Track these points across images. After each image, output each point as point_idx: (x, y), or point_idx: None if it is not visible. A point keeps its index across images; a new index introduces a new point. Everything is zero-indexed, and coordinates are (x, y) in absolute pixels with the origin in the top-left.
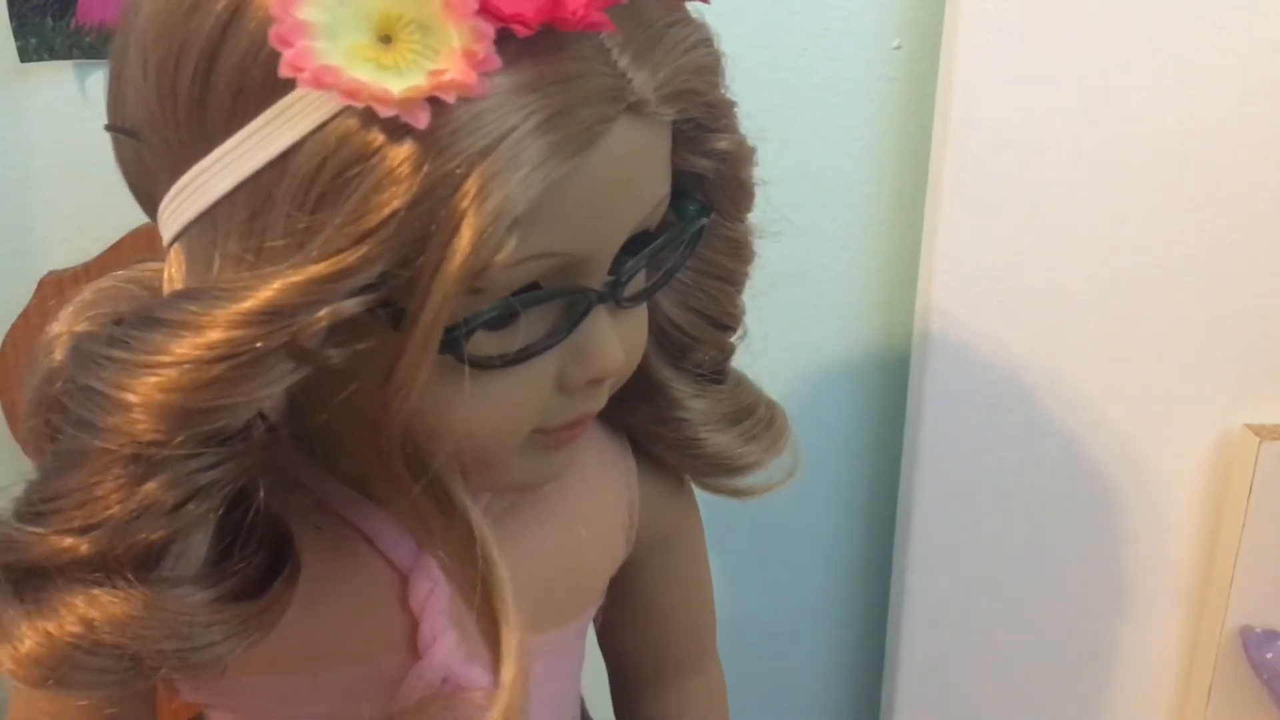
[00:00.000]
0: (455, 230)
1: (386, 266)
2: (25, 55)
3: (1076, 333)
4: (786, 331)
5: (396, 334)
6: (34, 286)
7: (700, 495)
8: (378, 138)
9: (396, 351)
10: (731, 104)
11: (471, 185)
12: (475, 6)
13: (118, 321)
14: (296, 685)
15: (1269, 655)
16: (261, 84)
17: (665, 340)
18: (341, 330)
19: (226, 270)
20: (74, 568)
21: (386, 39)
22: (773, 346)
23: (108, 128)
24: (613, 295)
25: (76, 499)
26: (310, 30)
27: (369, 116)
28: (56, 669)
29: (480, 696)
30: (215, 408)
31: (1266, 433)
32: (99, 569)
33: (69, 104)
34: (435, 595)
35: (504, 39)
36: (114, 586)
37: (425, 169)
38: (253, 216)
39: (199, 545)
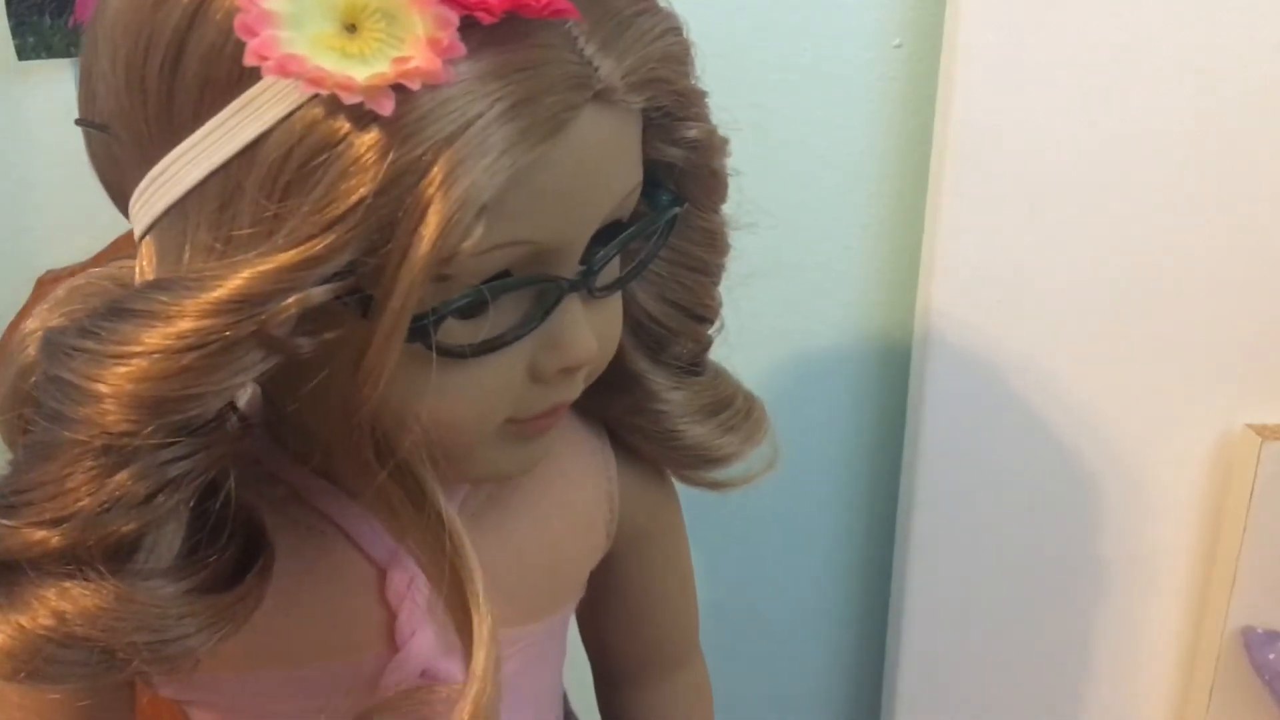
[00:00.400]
0: (422, 217)
1: (354, 254)
2: (23, 54)
3: (1077, 333)
4: (786, 331)
5: (365, 322)
6: (32, 285)
7: (698, 496)
8: (344, 126)
9: (365, 339)
10: (702, 93)
11: (438, 172)
12: None
13: (90, 315)
14: (274, 680)
15: (1271, 656)
16: (228, 75)
17: (642, 333)
18: (310, 319)
19: (196, 260)
20: (46, 560)
21: (351, 28)
22: (772, 345)
23: (78, 122)
24: (584, 284)
25: (48, 491)
26: (275, 19)
27: (335, 105)
28: (29, 662)
29: (457, 690)
30: (186, 397)
31: (1268, 433)
32: (71, 561)
33: (67, 102)
34: (413, 589)
35: (468, 26)
36: (86, 579)
37: (391, 156)
38: (222, 206)
39: (171, 538)
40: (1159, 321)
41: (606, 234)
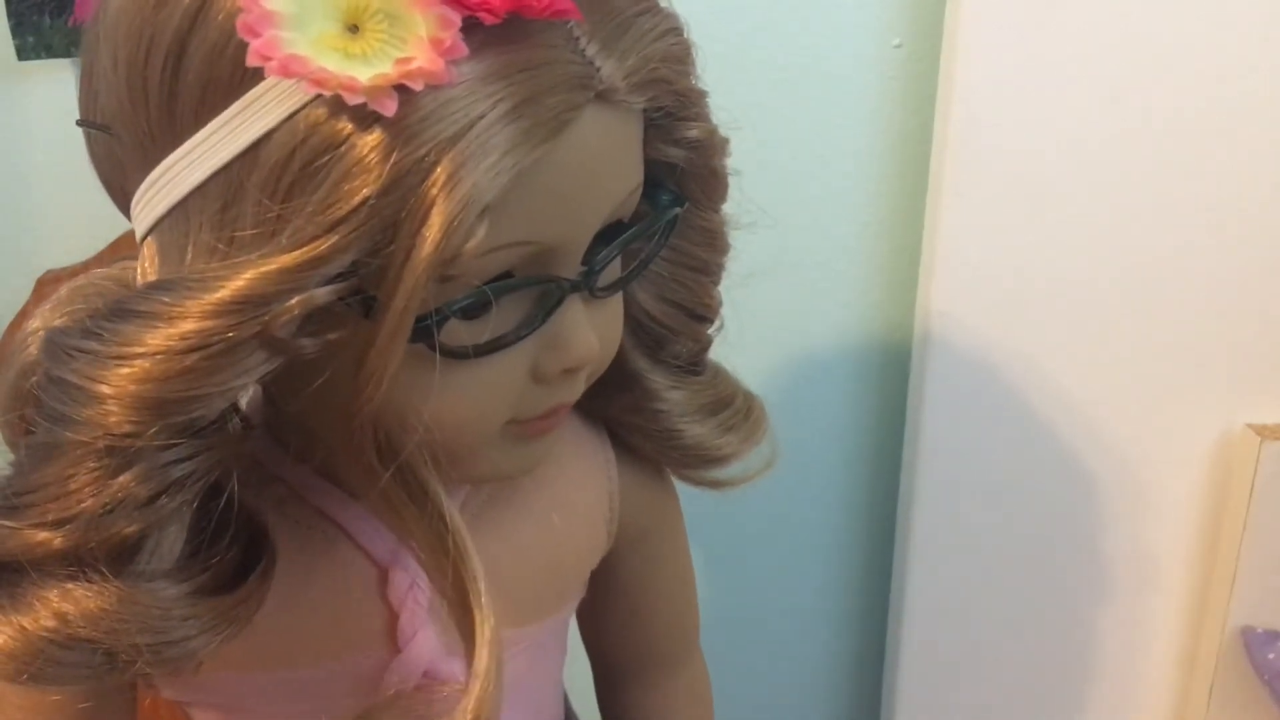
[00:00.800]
0: (425, 218)
1: (357, 255)
2: (23, 53)
3: (1077, 332)
4: (786, 331)
5: (368, 323)
6: (32, 285)
7: (700, 498)
8: (347, 126)
9: (368, 340)
10: (702, 93)
11: (441, 173)
12: None
13: (92, 315)
14: (276, 680)
15: (1270, 655)
16: (230, 75)
17: (642, 332)
18: (314, 320)
19: (199, 261)
20: (48, 562)
21: (354, 28)
22: (773, 346)
23: (79, 123)
24: (586, 285)
25: (50, 492)
26: (277, 20)
27: (338, 105)
28: (31, 664)
29: (459, 690)
30: (189, 398)
31: (1268, 432)
32: (73, 563)
33: (67, 102)
34: (415, 589)
35: (471, 27)
36: (88, 580)
37: (394, 157)
38: (224, 207)
39: (174, 539)
40: (1159, 321)
41: (608, 234)
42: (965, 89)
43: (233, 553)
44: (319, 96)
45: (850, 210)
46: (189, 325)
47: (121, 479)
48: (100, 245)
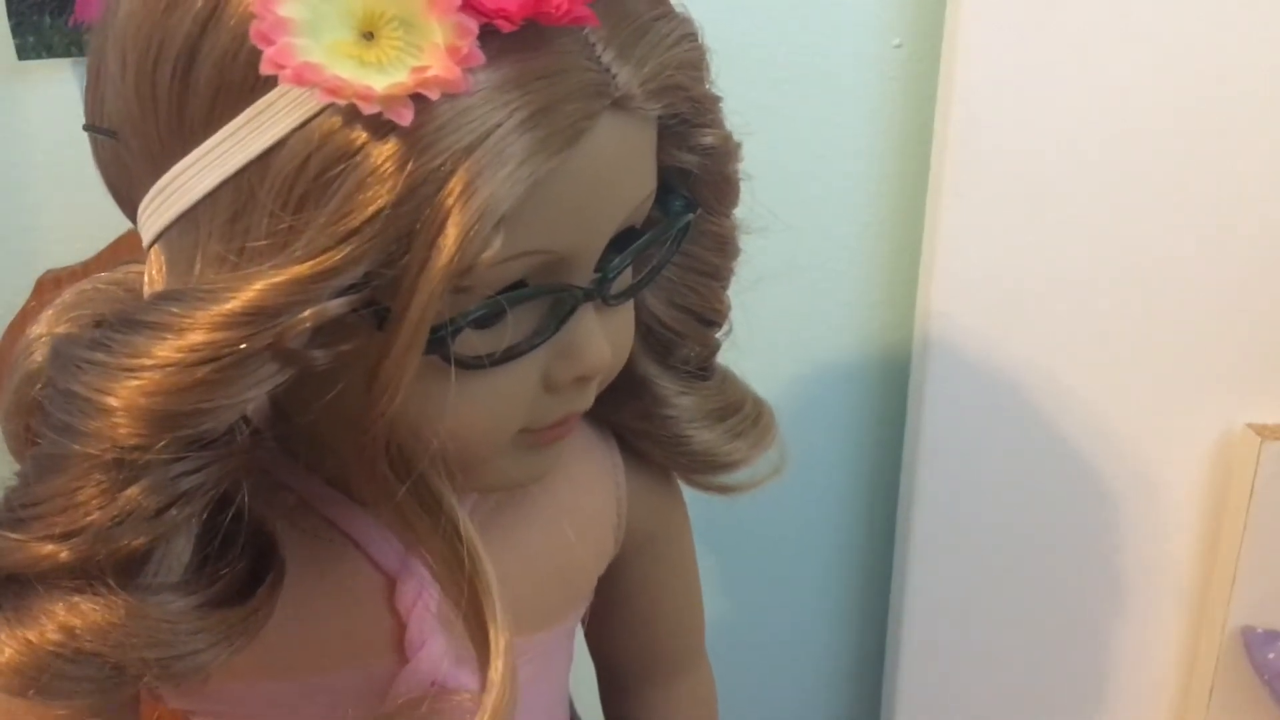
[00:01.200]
0: (441, 228)
1: (371, 266)
2: (23, 53)
3: (1077, 332)
4: (786, 331)
5: (381, 334)
6: (32, 285)
7: (699, 498)
8: (361, 135)
9: (381, 352)
10: (717, 99)
11: (457, 183)
12: (458, 2)
13: (98, 324)
14: (284, 690)
15: (1271, 655)
16: (242, 82)
17: (651, 337)
18: (326, 331)
19: (208, 271)
20: (55, 574)
21: (369, 35)
22: (772, 346)
23: (86, 128)
24: (599, 293)
25: (57, 505)
26: (292, 27)
27: (352, 114)
28: (38, 678)
29: (469, 699)
30: (198, 411)
31: (1268, 432)
32: (80, 576)
33: (67, 102)
34: (423, 598)
35: (487, 34)
36: (95, 593)
37: (409, 167)
38: (235, 216)
39: (182, 551)
40: (1159, 322)
41: (620, 241)
42: (965, 89)
43: (241, 564)
44: (332, 105)
45: (850, 211)
46: (199, 337)
47: (129, 492)
48: (100, 245)
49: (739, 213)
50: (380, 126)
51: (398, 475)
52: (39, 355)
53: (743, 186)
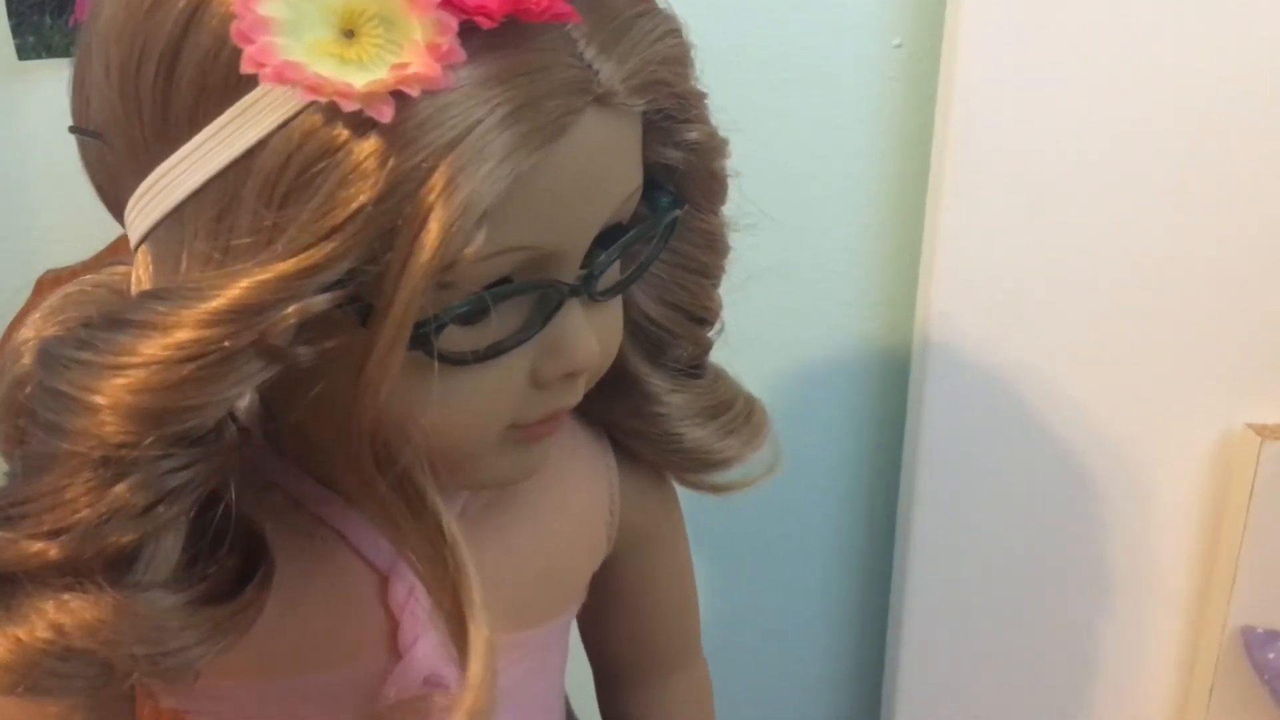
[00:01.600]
0: (423, 224)
1: (354, 262)
2: (23, 53)
3: (1077, 332)
4: (786, 331)
5: (365, 331)
6: (32, 285)
7: (698, 499)
8: (342, 133)
9: (366, 349)
10: (701, 95)
11: (438, 179)
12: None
13: (85, 325)
14: (277, 689)
15: (1271, 655)
16: (224, 82)
17: (642, 336)
18: (310, 328)
19: (194, 269)
20: (44, 572)
21: (349, 33)
22: (772, 346)
23: (72, 130)
24: (586, 289)
25: (46, 503)
26: (272, 26)
27: (333, 112)
28: (28, 675)
29: (456, 698)
30: (185, 408)
31: (1268, 432)
32: (69, 573)
33: (67, 102)
34: (415, 596)
35: (468, 31)
36: (84, 591)
37: (391, 163)
38: (219, 215)
39: (171, 549)
40: (1159, 322)
41: (607, 237)
42: (965, 89)
43: (231, 562)
44: (314, 103)
45: (850, 211)
46: (184, 335)
47: (117, 489)
48: (100, 245)
49: (738, 212)
50: (361, 124)
51: (383, 472)
52: (28, 358)
53: (742, 186)
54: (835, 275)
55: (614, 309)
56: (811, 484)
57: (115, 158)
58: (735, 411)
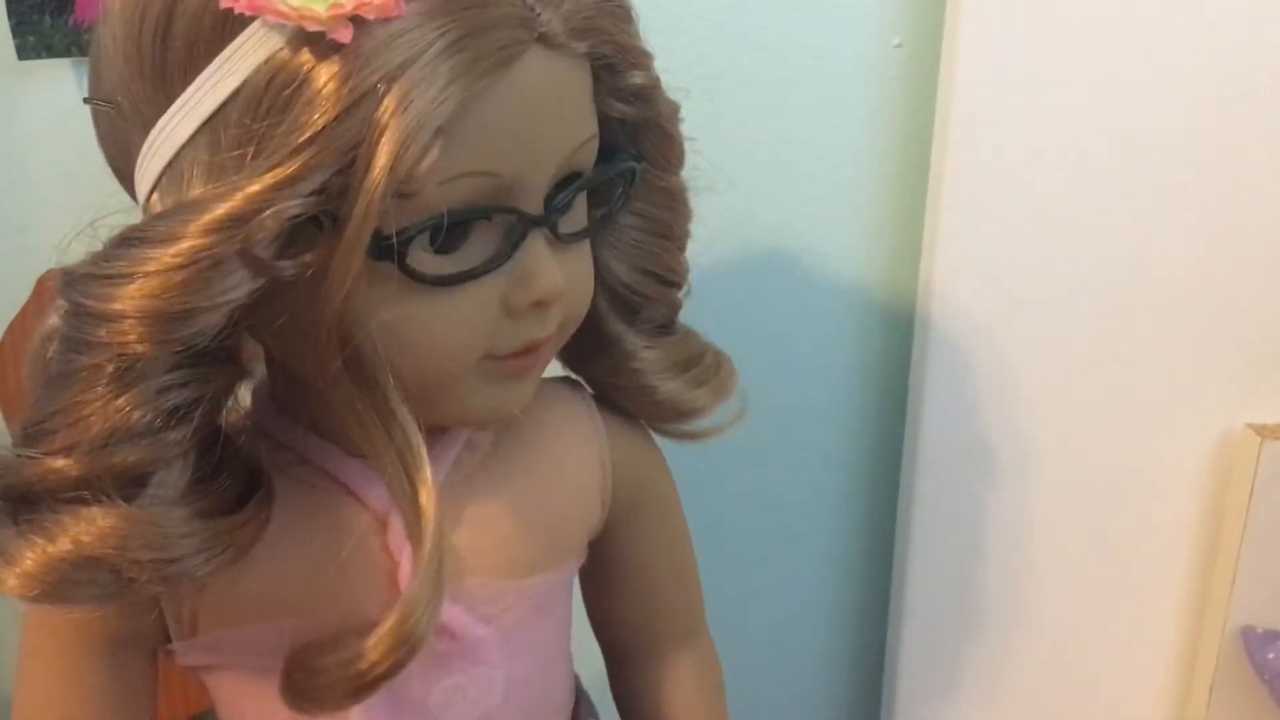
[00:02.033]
0: (380, 136)
1: (325, 175)
2: (23, 53)
3: (1077, 332)
4: (786, 331)
5: (336, 241)
6: (32, 285)
7: (698, 498)
8: (309, 60)
9: (333, 249)
10: (645, 52)
11: (391, 98)
12: None
13: (100, 250)
14: (287, 631)
15: (1271, 655)
16: (211, 33)
17: (618, 301)
18: (290, 242)
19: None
20: (63, 488)
21: None
22: (772, 346)
23: (86, 100)
24: (546, 222)
25: (62, 420)
26: None
27: (300, 43)
28: (47, 583)
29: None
30: (185, 310)
31: (1268, 432)
32: (85, 488)
33: (67, 102)
34: None
35: None
36: (99, 503)
37: (350, 84)
38: (211, 153)
39: (178, 475)
40: (1159, 321)
41: (567, 184)
42: (965, 89)
43: (232, 486)
44: (286, 42)
45: (850, 210)
46: (185, 244)
47: (121, 402)
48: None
49: (738, 211)
50: (323, 51)
51: (352, 375)
52: (55, 317)
53: (741, 185)
54: (835, 275)
55: (582, 256)
56: (811, 483)
57: (124, 122)
58: (705, 364)
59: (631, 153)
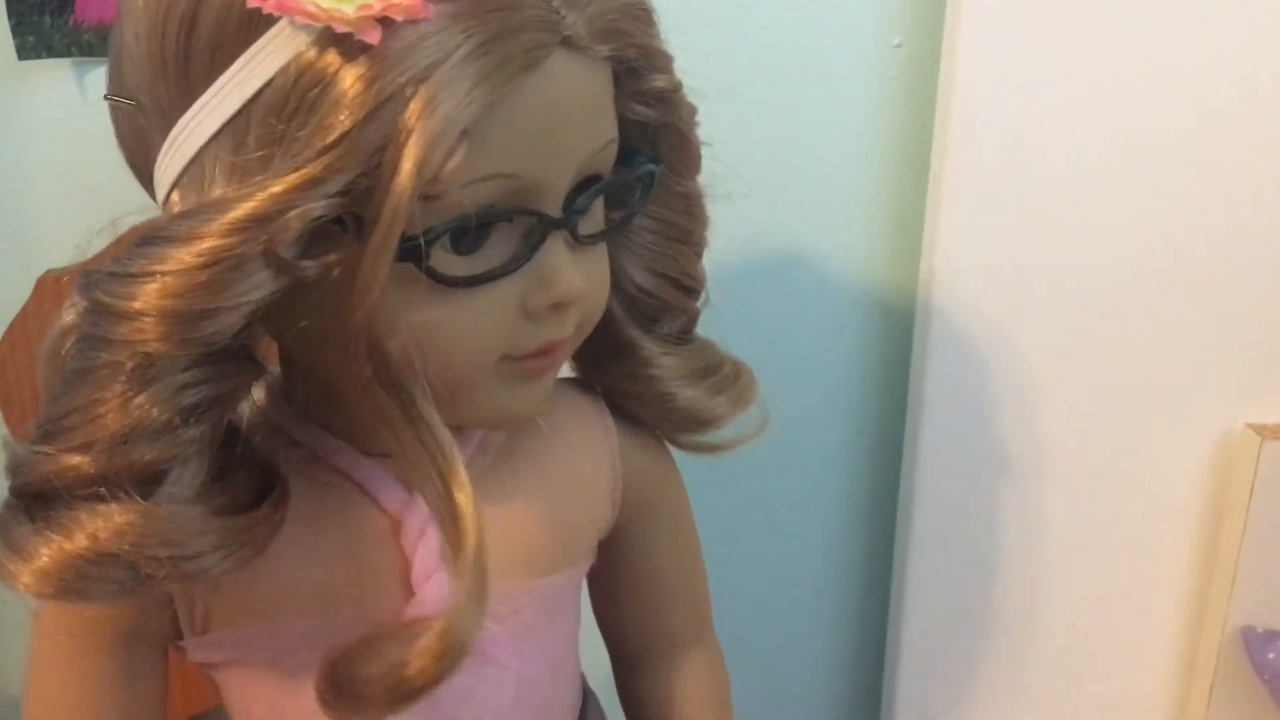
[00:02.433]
0: (408, 138)
1: (351, 177)
2: (23, 53)
3: (1077, 332)
4: (786, 330)
5: (360, 242)
6: (32, 286)
7: (698, 499)
8: (335, 61)
9: (360, 254)
10: (667, 55)
11: (418, 100)
12: None
13: (121, 250)
14: (299, 630)
15: (1271, 655)
16: (236, 32)
17: (635, 307)
18: (312, 242)
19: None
20: (80, 485)
21: None
22: (772, 345)
23: (107, 97)
24: (566, 224)
25: (79, 417)
26: None
27: (326, 44)
28: (67, 581)
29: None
30: (205, 310)
31: (1268, 432)
32: (102, 485)
33: (67, 102)
34: (426, 536)
35: None
36: (115, 500)
37: (376, 86)
38: (234, 151)
39: (195, 473)
40: (1159, 320)
41: (587, 186)
42: (965, 89)
43: (247, 485)
44: (312, 42)
45: (850, 210)
46: (207, 244)
47: (139, 400)
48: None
49: (738, 211)
50: (350, 52)
51: (380, 381)
52: (71, 315)
53: (741, 185)
54: (835, 274)
55: (600, 259)
56: (811, 483)
57: (146, 120)
58: (723, 373)
59: (650, 155)
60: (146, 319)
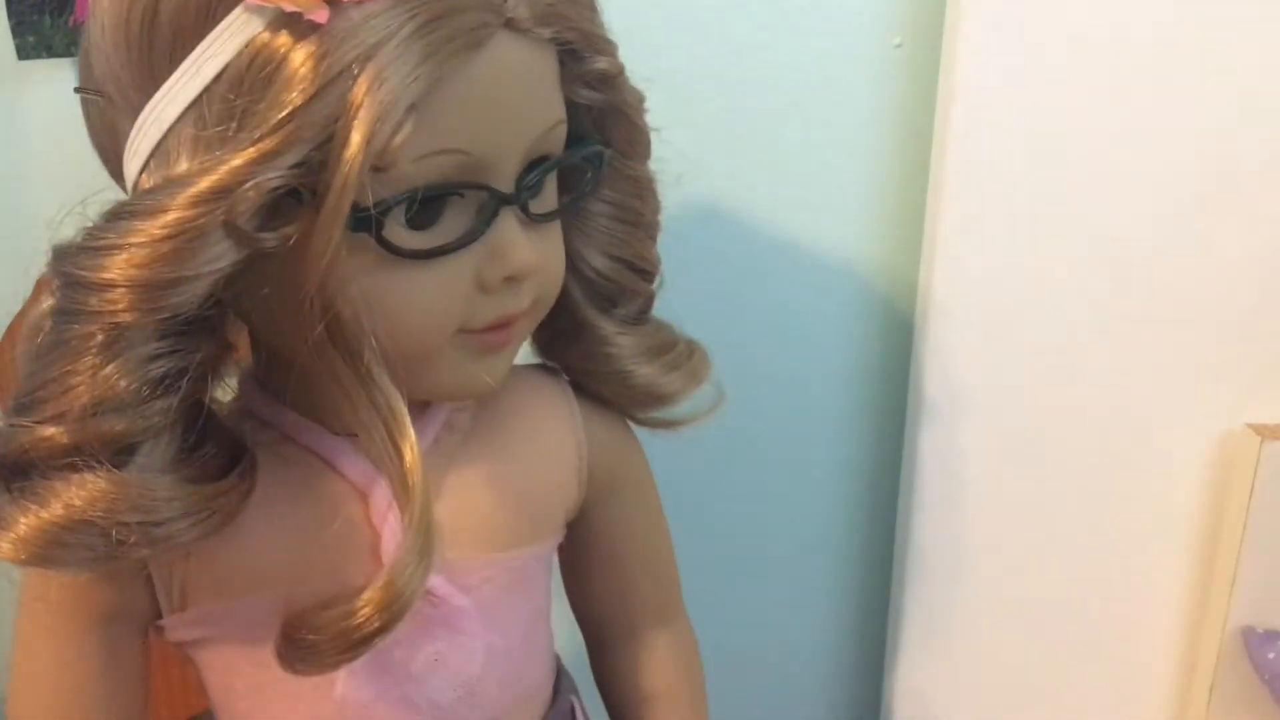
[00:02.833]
0: (356, 113)
1: (304, 151)
2: (23, 53)
3: (1077, 332)
4: (785, 330)
5: (316, 214)
6: (32, 285)
7: (698, 498)
8: (286, 41)
9: (314, 221)
10: (609, 40)
11: (365, 77)
12: None
13: (91, 225)
14: (273, 603)
15: (1271, 655)
16: (195, 19)
17: (592, 289)
18: (271, 215)
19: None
20: (55, 455)
21: None
22: (772, 346)
23: (77, 90)
24: (517, 199)
25: (52, 389)
26: None
27: (278, 27)
28: (42, 547)
29: (439, 597)
30: (171, 279)
31: (1268, 432)
32: (76, 455)
33: (67, 102)
34: (393, 509)
35: None
36: (89, 469)
37: (326, 63)
38: (196, 132)
39: (166, 446)
40: (1159, 321)
41: (538, 165)
42: (965, 89)
43: (216, 456)
44: (267, 25)
45: (850, 210)
46: (170, 216)
47: (108, 369)
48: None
49: (737, 211)
50: (302, 31)
51: (336, 346)
52: (49, 301)
53: (741, 186)
54: (835, 275)
55: (553, 236)
56: (811, 484)
57: (114, 111)
58: (677, 351)
59: (599, 140)
60: (117, 289)
